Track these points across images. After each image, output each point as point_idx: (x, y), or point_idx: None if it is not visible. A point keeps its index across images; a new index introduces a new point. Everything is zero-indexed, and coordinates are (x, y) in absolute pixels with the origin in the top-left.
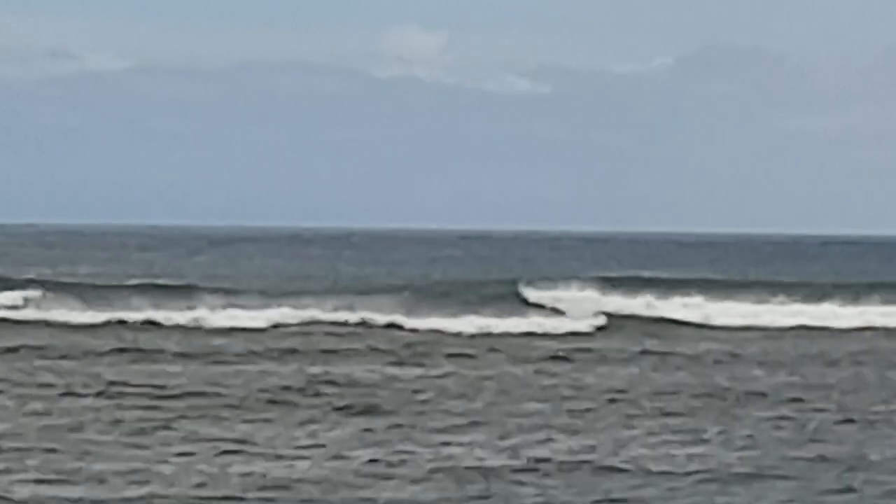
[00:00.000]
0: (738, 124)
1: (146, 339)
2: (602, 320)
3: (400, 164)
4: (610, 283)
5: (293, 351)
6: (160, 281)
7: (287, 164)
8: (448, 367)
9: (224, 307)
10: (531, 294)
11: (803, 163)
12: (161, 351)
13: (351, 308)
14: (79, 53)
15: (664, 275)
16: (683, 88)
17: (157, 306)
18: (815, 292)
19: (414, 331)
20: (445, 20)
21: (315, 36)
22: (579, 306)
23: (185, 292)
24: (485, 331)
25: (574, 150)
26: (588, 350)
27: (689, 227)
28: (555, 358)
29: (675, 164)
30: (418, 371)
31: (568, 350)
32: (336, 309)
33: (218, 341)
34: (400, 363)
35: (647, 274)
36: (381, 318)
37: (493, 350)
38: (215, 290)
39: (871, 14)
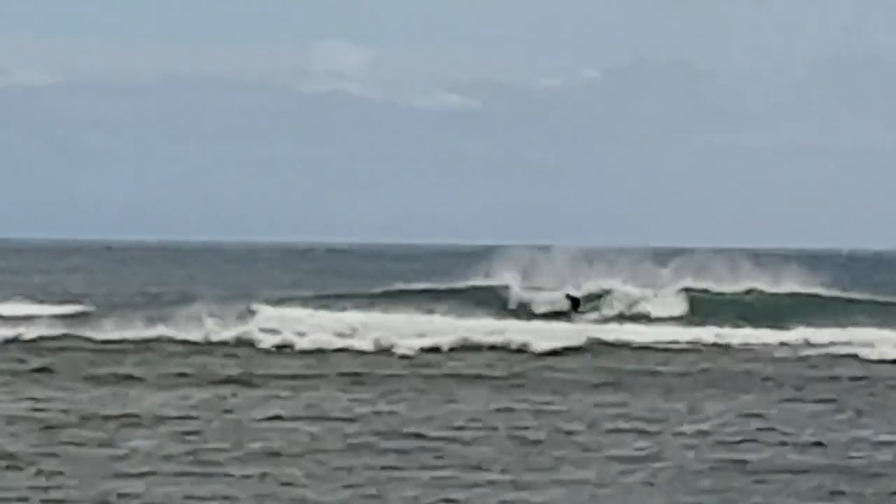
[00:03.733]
0: (665, 138)
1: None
2: None
3: (328, 180)
4: None
5: None
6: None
7: (213, 181)
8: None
9: None
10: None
11: (730, 177)
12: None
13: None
14: (7, 68)
15: None
16: (611, 102)
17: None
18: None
19: None
20: (374, 35)
21: (243, 51)
22: None
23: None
24: None
25: (503, 165)
26: None
27: (615, 242)
28: None
29: (603, 178)
30: None
31: None
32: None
33: None
34: None
35: None
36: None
37: None
38: None
39: (799, 30)
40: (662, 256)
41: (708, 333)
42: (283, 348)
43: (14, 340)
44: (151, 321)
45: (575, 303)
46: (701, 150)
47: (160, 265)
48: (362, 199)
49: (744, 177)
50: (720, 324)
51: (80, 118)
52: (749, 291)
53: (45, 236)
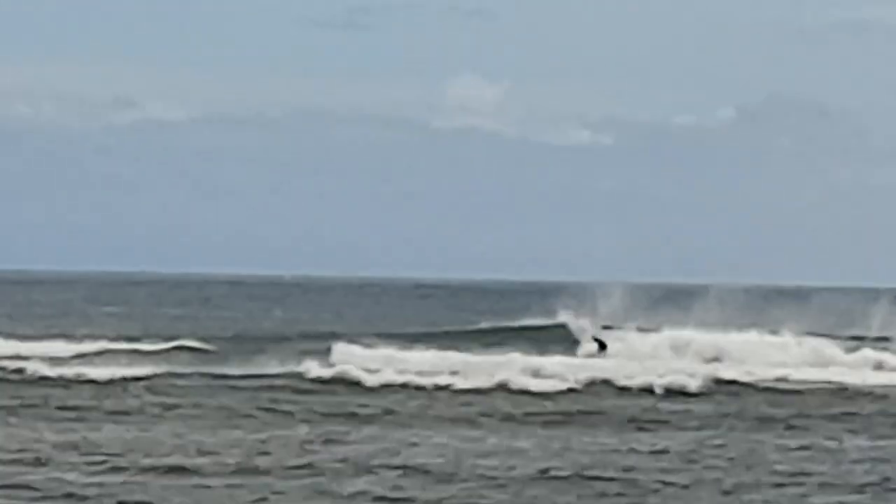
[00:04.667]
0: (798, 177)
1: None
2: None
3: (459, 215)
4: None
5: None
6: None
7: (346, 215)
8: None
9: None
10: None
11: (862, 216)
12: None
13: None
14: (141, 102)
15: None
16: (744, 140)
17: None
18: None
19: None
20: (506, 71)
21: (375, 86)
22: None
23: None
24: None
25: (635, 202)
26: None
27: (749, 279)
28: None
29: (734, 216)
30: None
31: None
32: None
33: None
34: None
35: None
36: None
37: None
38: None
39: None
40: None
41: None
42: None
43: (143, 378)
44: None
45: (602, 345)
46: (832, 188)
47: (285, 300)
48: (492, 235)
49: (871, 213)
50: None
51: (212, 152)
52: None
53: (177, 270)
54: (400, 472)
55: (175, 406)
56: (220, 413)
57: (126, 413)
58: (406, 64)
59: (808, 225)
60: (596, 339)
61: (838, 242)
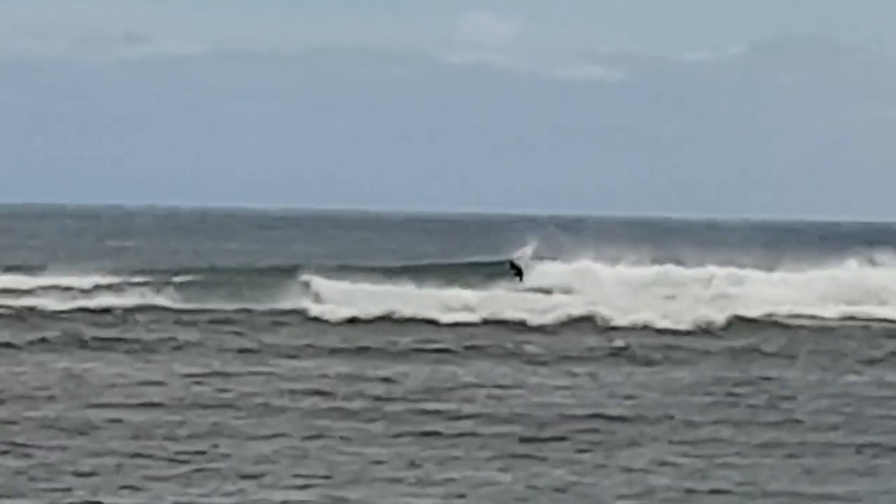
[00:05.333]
0: (809, 113)
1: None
2: None
3: (467, 150)
4: None
5: None
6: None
7: (358, 150)
8: None
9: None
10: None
11: (875, 151)
12: None
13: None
14: (153, 37)
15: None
16: (757, 76)
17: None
18: None
19: None
20: (520, 7)
21: (388, 22)
22: None
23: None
24: None
25: (645, 138)
26: None
27: (756, 215)
28: None
29: (746, 153)
30: None
31: None
32: None
33: None
34: None
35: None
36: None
37: None
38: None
39: None
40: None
41: None
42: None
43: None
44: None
45: (518, 272)
46: (842, 124)
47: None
48: (500, 170)
49: (884, 149)
50: None
51: (224, 87)
52: None
53: (188, 204)
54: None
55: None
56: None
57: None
58: None
59: (820, 160)
60: (513, 265)
61: (851, 177)
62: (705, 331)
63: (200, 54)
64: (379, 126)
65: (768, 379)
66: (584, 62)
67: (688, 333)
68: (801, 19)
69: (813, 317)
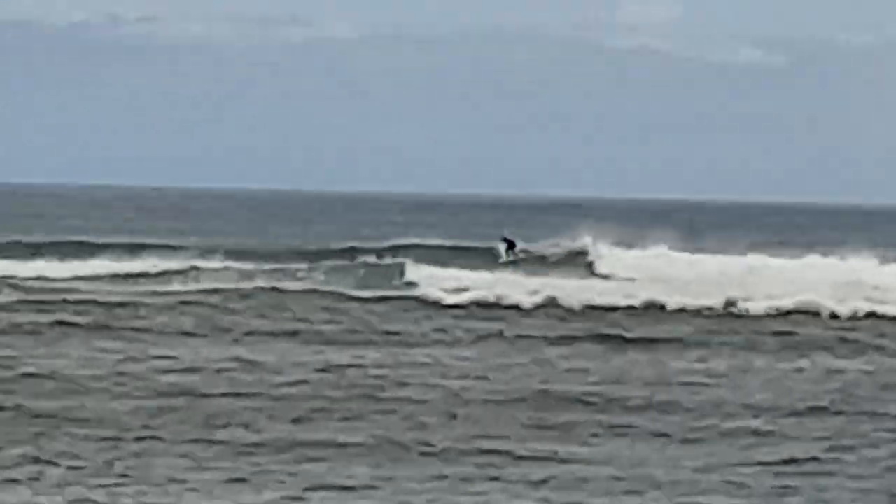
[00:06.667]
0: None
1: None
2: None
3: (630, 134)
4: None
5: None
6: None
7: (517, 134)
8: None
9: None
10: None
11: None
12: None
13: None
14: (312, 21)
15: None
16: None
17: None
18: None
19: None
20: None
21: (549, 6)
22: None
23: None
24: None
25: (805, 122)
26: None
27: None
28: None
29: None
30: None
31: None
32: None
33: None
34: None
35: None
36: None
37: None
38: None
39: None
40: None
41: None
42: None
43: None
44: None
45: (510, 245)
46: None
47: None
48: (664, 154)
49: None
50: None
51: (385, 71)
52: None
53: (337, 189)
54: None
55: None
56: None
57: None
58: None
59: None
60: (505, 239)
61: None
62: None
63: (355, 38)
64: (536, 109)
65: None
66: (744, 45)
67: None
68: None
69: None
